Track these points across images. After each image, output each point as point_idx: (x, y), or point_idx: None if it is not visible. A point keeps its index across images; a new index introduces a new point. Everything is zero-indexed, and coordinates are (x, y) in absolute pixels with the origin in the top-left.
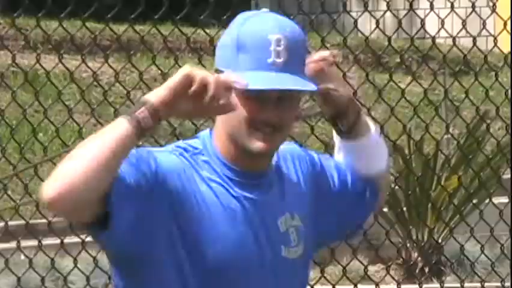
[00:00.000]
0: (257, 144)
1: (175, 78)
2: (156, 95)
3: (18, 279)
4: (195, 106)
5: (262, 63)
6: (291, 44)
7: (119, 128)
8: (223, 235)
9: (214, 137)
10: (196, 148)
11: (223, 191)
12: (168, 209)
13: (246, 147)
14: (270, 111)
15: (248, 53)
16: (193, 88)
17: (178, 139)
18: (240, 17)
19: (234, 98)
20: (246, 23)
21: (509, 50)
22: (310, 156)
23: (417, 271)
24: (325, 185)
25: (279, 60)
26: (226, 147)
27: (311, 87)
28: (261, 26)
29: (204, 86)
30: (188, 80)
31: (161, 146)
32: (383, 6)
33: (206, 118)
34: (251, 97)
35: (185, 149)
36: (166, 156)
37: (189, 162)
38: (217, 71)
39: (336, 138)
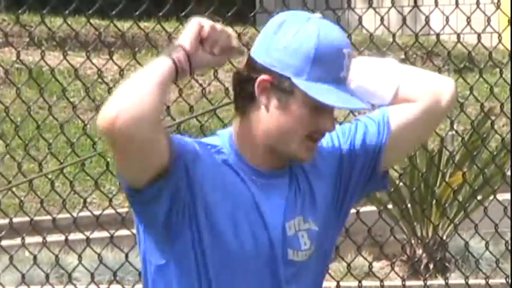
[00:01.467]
0: (307, 154)
1: (190, 29)
2: (184, 40)
3: (23, 275)
4: (210, 52)
5: (334, 76)
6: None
7: (162, 64)
8: (238, 231)
9: (236, 137)
10: (215, 146)
11: (240, 189)
12: (194, 203)
13: (293, 155)
14: (330, 123)
15: (323, 65)
16: (206, 29)
17: (182, 135)
18: (309, 24)
19: (294, 106)
20: (321, 33)
21: None
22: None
23: (421, 267)
24: (348, 158)
25: (345, 74)
26: (250, 148)
27: (367, 106)
28: (336, 38)
29: (213, 31)
30: (200, 26)
31: None
32: (388, 2)
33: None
34: (319, 109)
35: (211, 146)
36: (202, 148)
37: (215, 159)
38: (266, 71)
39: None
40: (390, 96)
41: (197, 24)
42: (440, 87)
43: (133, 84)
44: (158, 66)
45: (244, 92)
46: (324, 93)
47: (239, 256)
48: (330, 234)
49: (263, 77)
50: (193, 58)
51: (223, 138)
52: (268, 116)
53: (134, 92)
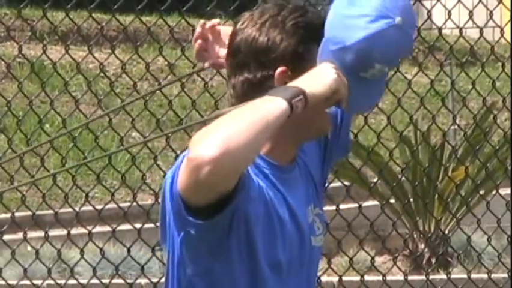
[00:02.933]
0: (328, 125)
1: (330, 85)
2: (312, 93)
3: (25, 270)
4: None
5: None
6: None
7: (279, 106)
8: (283, 233)
9: None
10: None
11: (273, 191)
12: (247, 216)
13: (322, 131)
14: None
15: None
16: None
17: (184, 130)
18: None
19: None
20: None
21: None
22: None
23: (424, 262)
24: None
25: None
26: (273, 144)
27: None
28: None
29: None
30: (339, 85)
31: (167, 137)
32: None
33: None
34: None
35: None
36: None
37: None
38: (287, 70)
39: None
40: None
41: (336, 87)
42: None
43: (239, 121)
44: (271, 107)
45: (261, 93)
46: None
47: (281, 258)
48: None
49: (280, 69)
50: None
51: None
52: None
53: (241, 132)
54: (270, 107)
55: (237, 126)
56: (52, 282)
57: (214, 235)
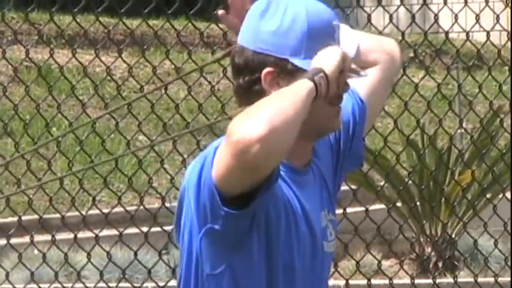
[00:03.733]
0: (337, 121)
1: (332, 56)
2: (329, 67)
3: (32, 274)
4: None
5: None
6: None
7: (306, 85)
8: (297, 240)
9: None
10: None
11: (288, 192)
12: (266, 213)
13: (325, 129)
14: (344, 84)
15: (318, 41)
16: (346, 65)
17: (191, 133)
18: (294, 3)
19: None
20: (309, 9)
21: None
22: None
23: (430, 266)
24: (344, 141)
25: (337, 45)
26: None
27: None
28: (324, 12)
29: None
30: (344, 59)
31: (174, 140)
32: (397, 1)
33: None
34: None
35: None
36: None
37: None
38: (268, 57)
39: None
40: (353, 54)
41: (341, 57)
42: (390, 45)
43: (281, 105)
44: (301, 88)
45: (253, 96)
46: None
47: (298, 262)
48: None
49: (266, 70)
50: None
51: None
52: None
53: (281, 114)
54: (299, 87)
55: (278, 106)
56: (59, 286)
57: (240, 228)
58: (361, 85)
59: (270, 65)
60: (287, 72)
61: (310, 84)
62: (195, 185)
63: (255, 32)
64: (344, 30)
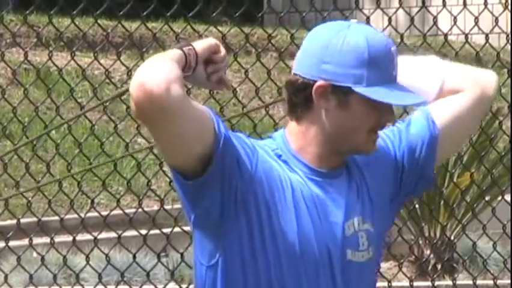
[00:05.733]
0: (373, 146)
1: (207, 41)
2: (197, 46)
3: (31, 276)
4: (208, 75)
5: (389, 76)
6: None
7: (174, 51)
8: (297, 230)
9: (292, 139)
10: (271, 147)
11: (301, 188)
12: (255, 196)
13: (358, 150)
14: (391, 115)
15: (379, 68)
16: (221, 54)
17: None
18: (353, 32)
19: (355, 104)
20: (368, 37)
21: None
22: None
23: (429, 268)
24: (404, 159)
25: (396, 72)
26: (309, 150)
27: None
28: (382, 38)
29: (222, 60)
30: (215, 48)
31: None
32: (396, 3)
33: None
34: (381, 107)
35: (268, 146)
36: (262, 150)
37: (274, 158)
38: (327, 85)
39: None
40: (436, 91)
41: (214, 43)
42: (485, 76)
43: (150, 61)
44: (170, 52)
45: (299, 98)
46: (385, 94)
47: (301, 256)
48: (383, 234)
49: (320, 82)
50: (197, 65)
51: (278, 141)
52: (329, 118)
53: (154, 64)
54: (170, 51)
55: (147, 63)
56: None
57: (213, 206)
58: (443, 112)
59: (326, 80)
60: (340, 91)
61: (180, 51)
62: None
63: (316, 63)
64: (432, 62)
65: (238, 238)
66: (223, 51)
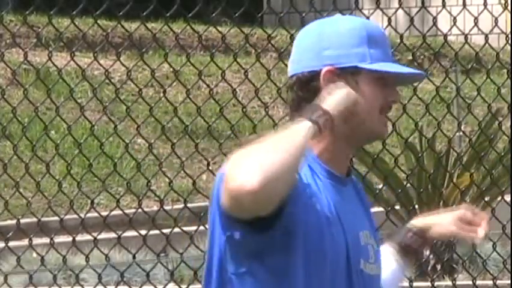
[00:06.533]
0: (385, 128)
1: (346, 98)
2: (332, 107)
3: (30, 276)
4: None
5: (388, 55)
6: None
7: (304, 128)
8: (323, 238)
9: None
10: None
11: (322, 193)
12: (298, 214)
13: (372, 134)
14: (396, 94)
15: (378, 46)
16: (364, 113)
17: (189, 137)
18: (342, 18)
19: (363, 84)
20: (363, 21)
21: None
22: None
23: (429, 269)
24: None
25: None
26: (326, 147)
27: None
28: (372, 23)
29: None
30: (355, 102)
31: (172, 143)
32: (395, 3)
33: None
34: (387, 84)
35: None
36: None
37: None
38: (334, 69)
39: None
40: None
41: (351, 102)
42: None
43: (273, 150)
44: (302, 133)
45: (308, 93)
46: (391, 67)
47: (324, 263)
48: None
49: (327, 68)
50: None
51: None
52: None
53: (277, 162)
54: (296, 131)
55: (275, 152)
56: None
57: (258, 241)
58: None
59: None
60: (348, 73)
61: (309, 125)
62: (216, 193)
63: (316, 53)
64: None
65: (275, 252)
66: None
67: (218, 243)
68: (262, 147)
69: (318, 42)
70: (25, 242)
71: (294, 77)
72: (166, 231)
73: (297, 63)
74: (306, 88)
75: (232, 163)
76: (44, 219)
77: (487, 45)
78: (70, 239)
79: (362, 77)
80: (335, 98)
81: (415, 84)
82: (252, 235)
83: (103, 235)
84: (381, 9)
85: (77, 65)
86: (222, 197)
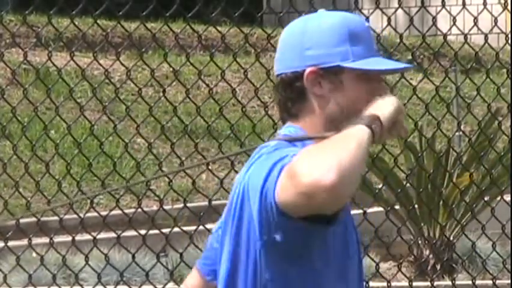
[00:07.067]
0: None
1: (393, 108)
2: (384, 116)
3: (30, 276)
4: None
5: (371, 49)
6: None
7: (366, 133)
8: (335, 232)
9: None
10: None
11: None
12: None
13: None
14: (382, 88)
15: (360, 42)
16: (401, 120)
17: (189, 136)
18: (324, 15)
19: (348, 81)
20: (343, 15)
21: None
22: None
23: (428, 268)
24: None
25: (375, 46)
26: None
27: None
28: (355, 16)
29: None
30: (401, 113)
31: (172, 142)
32: (395, 3)
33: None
34: (372, 78)
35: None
36: None
37: None
38: (317, 70)
39: None
40: None
41: (399, 111)
42: None
43: (349, 151)
44: (365, 136)
45: (292, 93)
46: (374, 63)
47: (341, 259)
48: None
49: (310, 69)
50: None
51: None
52: (327, 102)
53: (353, 167)
54: (361, 134)
55: (347, 151)
56: None
57: (302, 240)
58: None
59: (315, 65)
60: (331, 72)
61: (369, 131)
62: (259, 191)
63: (298, 53)
64: None
65: (309, 258)
66: (403, 111)
67: (253, 249)
68: (330, 145)
69: (301, 41)
70: (25, 241)
71: (278, 77)
72: (166, 230)
73: (281, 63)
74: (290, 89)
75: (302, 160)
76: (43, 218)
77: (486, 45)
78: (70, 238)
79: (346, 75)
80: (387, 107)
81: (415, 84)
82: (300, 234)
83: (103, 235)
84: (381, 9)
85: (77, 64)
86: (286, 193)
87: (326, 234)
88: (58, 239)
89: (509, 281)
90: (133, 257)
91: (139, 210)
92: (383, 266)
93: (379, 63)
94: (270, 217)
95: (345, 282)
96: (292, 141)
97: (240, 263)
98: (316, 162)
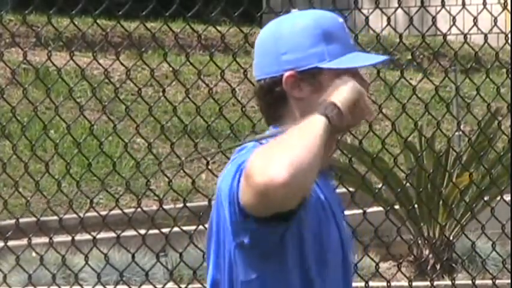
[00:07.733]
0: (371, 109)
1: (347, 91)
2: (340, 101)
3: (30, 276)
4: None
5: (348, 45)
6: None
7: (321, 123)
8: (322, 232)
9: None
10: None
11: (316, 190)
12: (305, 217)
13: (351, 125)
14: (363, 79)
15: (336, 39)
16: (363, 102)
17: (189, 136)
18: (297, 16)
19: (327, 81)
20: (315, 15)
21: None
22: None
23: (428, 268)
24: None
25: (351, 41)
26: None
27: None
28: (327, 13)
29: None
30: (361, 96)
31: (172, 142)
32: (395, 3)
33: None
34: (354, 75)
35: None
36: None
37: None
38: (295, 73)
39: None
40: None
41: (357, 93)
42: None
43: (297, 145)
44: (319, 126)
45: (272, 98)
46: (350, 60)
47: (328, 257)
48: None
49: (288, 73)
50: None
51: None
52: (308, 105)
53: (302, 156)
54: (314, 124)
55: (299, 146)
56: None
57: (270, 241)
58: None
59: (292, 69)
60: (309, 74)
61: (323, 119)
62: (228, 195)
63: (275, 58)
64: None
65: (282, 258)
66: (364, 94)
67: (228, 252)
68: (283, 142)
69: (276, 46)
70: (24, 241)
71: (258, 83)
72: (166, 230)
73: (259, 69)
74: (271, 94)
75: (254, 160)
76: (43, 218)
77: (486, 44)
78: (69, 238)
79: (324, 75)
80: (341, 92)
81: (414, 84)
82: (266, 235)
83: (102, 234)
84: (381, 9)
85: (77, 64)
86: (245, 195)
87: (299, 231)
88: (58, 238)
89: (509, 281)
90: (133, 256)
91: (139, 210)
92: (383, 265)
93: (356, 59)
94: (238, 220)
95: (324, 280)
96: (261, 140)
97: (220, 266)
98: (268, 160)
